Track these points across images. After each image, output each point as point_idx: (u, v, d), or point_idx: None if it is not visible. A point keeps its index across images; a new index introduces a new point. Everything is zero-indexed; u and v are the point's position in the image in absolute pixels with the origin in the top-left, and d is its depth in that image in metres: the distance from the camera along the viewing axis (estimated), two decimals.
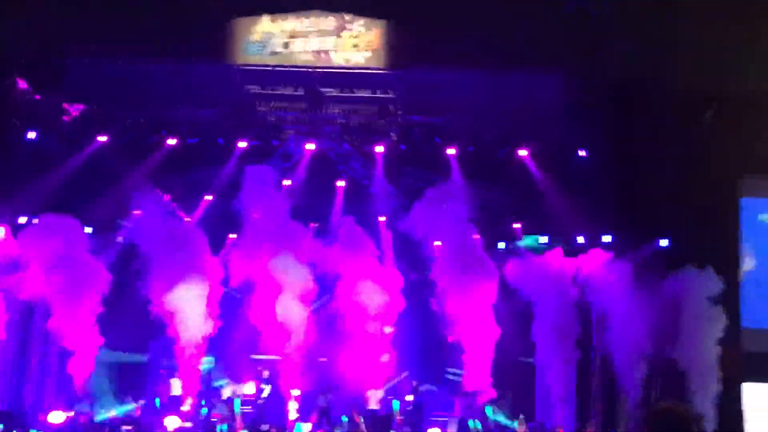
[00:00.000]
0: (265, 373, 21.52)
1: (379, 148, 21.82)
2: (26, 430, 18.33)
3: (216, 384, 22.45)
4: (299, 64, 21.74)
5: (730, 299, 19.72)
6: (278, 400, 21.00)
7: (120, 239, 21.69)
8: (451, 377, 22.68)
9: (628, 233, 20.12)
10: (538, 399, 21.62)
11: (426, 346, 22.60)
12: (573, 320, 20.26)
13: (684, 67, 18.73)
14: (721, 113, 19.88)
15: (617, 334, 19.19)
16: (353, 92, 22.01)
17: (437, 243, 21.11)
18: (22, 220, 20.71)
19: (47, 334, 20.29)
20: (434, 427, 20.13)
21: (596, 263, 20.15)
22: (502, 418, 21.12)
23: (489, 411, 20.20)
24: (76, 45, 20.20)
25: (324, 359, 22.03)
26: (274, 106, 22.25)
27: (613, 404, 19.99)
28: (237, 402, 16.96)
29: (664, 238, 20.56)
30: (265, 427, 18.95)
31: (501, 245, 22.09)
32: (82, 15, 19.69)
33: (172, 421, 19.47)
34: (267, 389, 21.54)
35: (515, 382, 21.85)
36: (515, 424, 19.99)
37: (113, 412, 20.58)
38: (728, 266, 20.32)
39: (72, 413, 19.62)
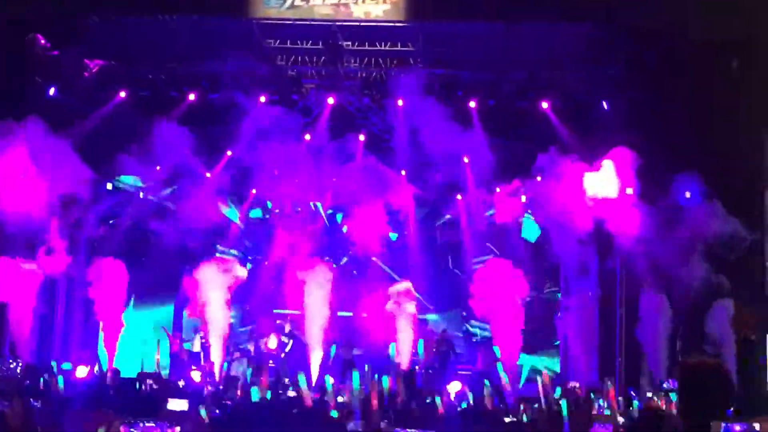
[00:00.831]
0: (287, 327, 21.62)
1: (400, 102, 21.65)
2: (52, 384, 18.48)
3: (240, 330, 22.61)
4: (318, 17, 21.58)
5: (756, 254, 19.48)
6: (301, 354, 21.12)
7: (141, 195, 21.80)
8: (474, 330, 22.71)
9: (650, 185, 19.82)
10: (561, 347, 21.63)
11: (450, 297, 22.69)
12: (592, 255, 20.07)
13: (709, 12, 18.33)
14: (749, 61, 19.47)
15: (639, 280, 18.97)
16: (373, 46, 21.83)
17: None
18: None
19: (71, 284, 20.44)
20: (455, 381, 20.10)
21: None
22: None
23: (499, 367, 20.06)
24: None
25: (346, 314, 22.19)
26: (294, 60, 22.14)
27: (636, 355, 19.83)
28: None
29: (688, 191, 20.27)
30: (287, 380, 19.05)
31: (523, 198, 21.96)
32: None
33: (196, 375, 19.62)
34: (290, 344, 21.66)
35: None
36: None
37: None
38: (755, 222, 20.02)
39: (97, 367, 19.81)
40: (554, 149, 19.92)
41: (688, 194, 20.02)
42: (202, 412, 13.67)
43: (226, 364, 20.83)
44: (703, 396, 4.56)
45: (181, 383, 18.74)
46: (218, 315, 20.74)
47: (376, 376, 18.76)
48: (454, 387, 19.54)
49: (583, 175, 19.64)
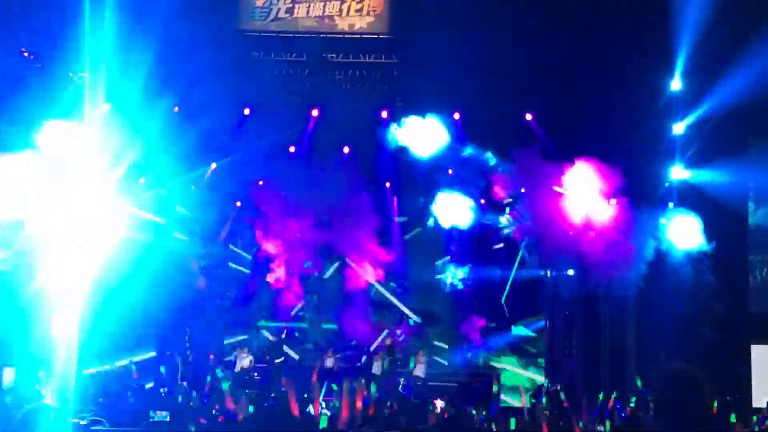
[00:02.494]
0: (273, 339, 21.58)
1: (384, 114, 21.60)
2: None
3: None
4: (303, 29, 21.65)
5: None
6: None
7: None
8: None
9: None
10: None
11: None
12: None
13: None
14: None
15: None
16: (358, 58, 21.87)
17: None
18: None
19: None
20: None
21: None
22: None
23: None
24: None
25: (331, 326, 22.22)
26: (278, 73, 22.13)
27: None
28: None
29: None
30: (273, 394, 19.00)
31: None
32: None
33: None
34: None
35: None
36: None
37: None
38: None
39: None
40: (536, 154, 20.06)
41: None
42: (191, 429, 13.61)
43: (209, 377, 20.70)
44: (678, 404, 4.58)
45: (162, 393, 18.68)
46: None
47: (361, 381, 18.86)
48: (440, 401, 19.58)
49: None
